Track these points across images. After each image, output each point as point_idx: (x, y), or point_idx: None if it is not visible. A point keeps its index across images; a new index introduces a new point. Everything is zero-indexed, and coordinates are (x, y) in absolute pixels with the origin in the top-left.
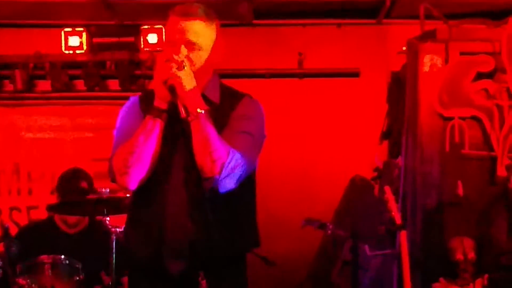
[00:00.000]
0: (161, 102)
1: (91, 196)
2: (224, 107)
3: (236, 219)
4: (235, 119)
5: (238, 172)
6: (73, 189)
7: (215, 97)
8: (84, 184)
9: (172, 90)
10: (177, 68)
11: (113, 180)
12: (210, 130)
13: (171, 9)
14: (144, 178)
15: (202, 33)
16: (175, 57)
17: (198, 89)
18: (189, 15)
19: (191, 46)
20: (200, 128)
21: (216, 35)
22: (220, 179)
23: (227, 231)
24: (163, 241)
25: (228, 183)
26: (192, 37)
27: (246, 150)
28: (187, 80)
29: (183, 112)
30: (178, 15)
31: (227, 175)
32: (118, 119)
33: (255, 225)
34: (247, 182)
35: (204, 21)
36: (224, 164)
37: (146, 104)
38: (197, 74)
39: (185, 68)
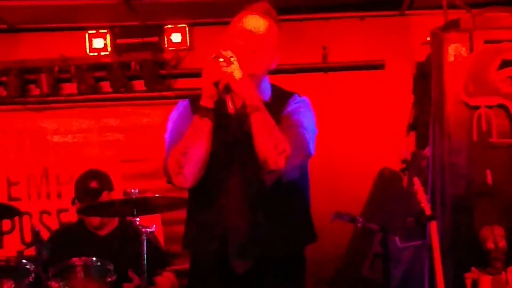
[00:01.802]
0: (208, 101)
1: (117, 198)
2: (275, 105)
3: (294, 214)
4: (287, 115)
5: (300, 163)
6: (84, 191)
7: (266, 96)
8: (94, 184)
9: (227, 88)
10: (225, 65)
11: (169, 180)
12: (272, 122)
13: (244, 8)
14: (198, 176)
15: (272, 32)
16: (223, 53)
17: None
18: (266, 13)
19: (262, 40)
20: (262, 120)
21: (279, 42)
22: (284, 171)
23: (287, 225)
24: (227, 240)
25: (291, 175)
26: (264, 32)
27: (304, 142)
28: (238, 73)
29: (231, 107)
30: (255, 11)
31: (291, 167)
32: (169, 123)
33: (311, 219)
34: (302, 177)
35: (275, 24)
36: (288, 156)
37: (196, 105)
38: (256, 74)
39: (234, 63)
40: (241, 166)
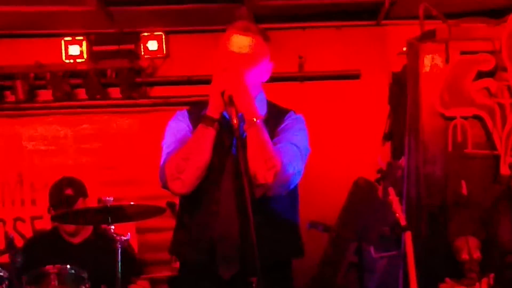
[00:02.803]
0: (214, 111)
1: (91, 205)
2: (271, 121)
3: (282, 226)
4: (281, 132)
5: (288, 181)
6: (59, 199)
7: (262, 111)
8: (69, 191)
9: (230, 100)
10: (234, 78)
11: (164, 185)
12: (266, 138)
13: (230, 24)
14: (196, 183)
15: (258, 48)
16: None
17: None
18: (248, 30)
19: (247, 59)
20: (256, 136)
21: (268, 53)
22: (272, 186)
23: (274, 237)
24: (215, 246)
25: (278, 191)
26: (249, 51)
27: (295, 160)
28: (245, 90)
29: (235, 121)
30: (238, 30)
31: (279, 184)
32: (167, 130)
33: (299, 233)
34: (292, 193)
35: (261, 38)
36: (277, 172)
37: (196, 116)
38: (249, 87)
39: (242, 78)
40: (234, 177)
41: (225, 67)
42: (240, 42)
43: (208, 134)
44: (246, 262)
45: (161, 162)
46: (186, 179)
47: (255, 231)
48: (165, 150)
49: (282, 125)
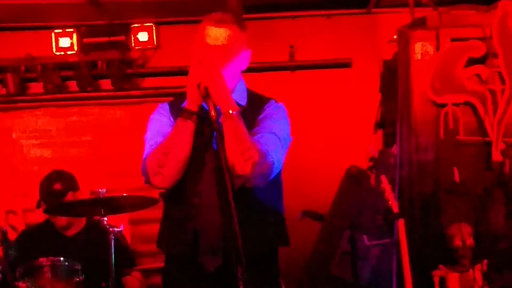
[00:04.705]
0: (192, 104)
1: (83, 197)
2: (251, 110)
3: (265, 216)
4: (262, 121)
5: (267, 171)
6: (48, 193)
7: (243, 100)
8: (57, 186)
9: (206, 92)
10: (210, 70)
11: (147, 180)
12: (242, 130)
13: (205, 16)
14: (177, 177)
15: (234, 38)
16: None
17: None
18: (222, 22)
19: (223, 50)
20: (232, 128)
21: (246, 42)
22: (250, 177)
23: (258, 227)
24: (198, 239)
25: (258, 181)
26: (225, 42)
27: (274, 150)
28: (220, 82)
29: (214, 114)
30: (212, 22)
31: (257, 174)
32: (148, 124)
33: (283, 223)
34: (275, 182)
35: (237, 28)
36: (255, 163)
37: (176, 109)
38: (227, 78)
39: (217, 70)
40: (215, 169)
41: (201, 60)
42: (215, 34)
43: (187, 128)
44: (230, 254)
45: (143, 157)
46: (167, 174)
47: (239, 222)
48: (146, 144)
49: (263, 114)
